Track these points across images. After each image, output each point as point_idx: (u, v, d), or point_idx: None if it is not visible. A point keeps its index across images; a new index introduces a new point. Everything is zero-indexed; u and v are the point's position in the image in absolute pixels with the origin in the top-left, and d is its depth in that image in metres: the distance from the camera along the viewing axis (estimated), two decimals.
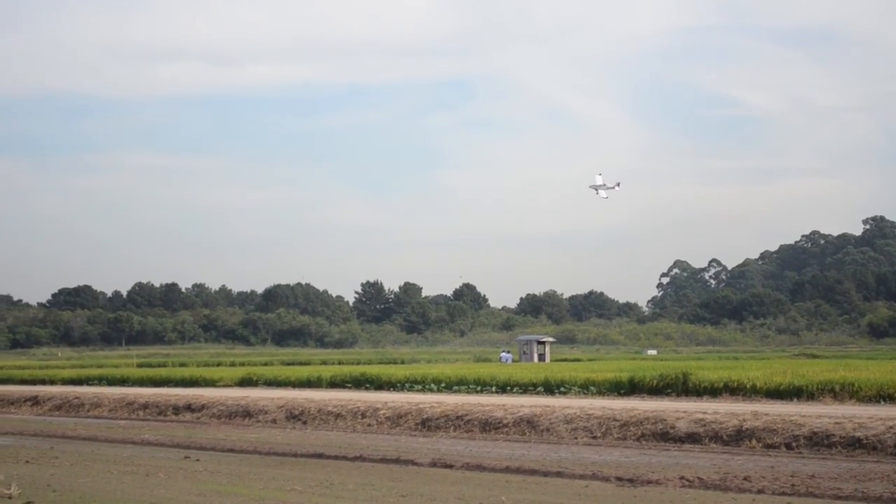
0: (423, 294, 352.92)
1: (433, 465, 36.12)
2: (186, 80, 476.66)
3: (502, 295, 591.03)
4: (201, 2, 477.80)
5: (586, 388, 65.16)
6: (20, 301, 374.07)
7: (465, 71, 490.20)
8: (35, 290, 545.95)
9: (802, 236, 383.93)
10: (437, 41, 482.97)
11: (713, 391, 59.47)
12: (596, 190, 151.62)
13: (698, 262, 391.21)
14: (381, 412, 53.98)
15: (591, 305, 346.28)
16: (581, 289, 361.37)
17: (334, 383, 78.27)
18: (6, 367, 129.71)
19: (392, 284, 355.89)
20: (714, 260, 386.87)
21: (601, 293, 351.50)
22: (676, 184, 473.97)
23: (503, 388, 68.53)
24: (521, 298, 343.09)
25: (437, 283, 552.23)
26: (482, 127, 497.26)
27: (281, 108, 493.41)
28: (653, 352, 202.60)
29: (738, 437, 40.95)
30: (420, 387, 72.80)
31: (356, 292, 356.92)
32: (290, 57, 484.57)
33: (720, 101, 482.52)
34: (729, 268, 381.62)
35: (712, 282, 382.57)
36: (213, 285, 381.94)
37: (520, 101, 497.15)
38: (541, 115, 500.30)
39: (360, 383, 76.86)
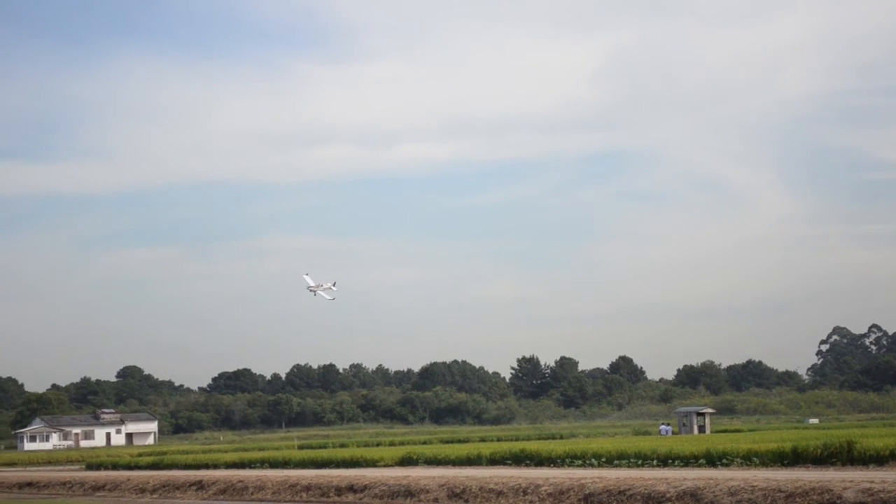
0: (580, 368, 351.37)
1: None
2: (338, 163, 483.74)
3: (659, 367, 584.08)
4: (351, 86, 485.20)
5: (749, 458, 64.23)
6: (181, 386, 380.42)
7: (613, 143, 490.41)
8: (196, 375, 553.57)
9: None
10: (586, 115, 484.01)
11: (879, 459, 58.25)
12: (314, 292, 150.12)
13: (858, 328, 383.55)
14: (543, 488, 53.82)
15: (750, 375, 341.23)
16: (738, 358, 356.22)
17: (494, 460, 78.10)
18: (170, 452, 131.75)
19: (548, 359, 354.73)
20: (874, 325, 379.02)
21: (759, 362, 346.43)
22: (832, 249, 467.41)
23: (664, 461, 67.80)
24: (679, 370, 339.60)
25: (593, 357, 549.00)
26: (632, 198, 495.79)
27: (432, 187, 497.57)
28: (814, 420, 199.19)
29: None
30: (580, 462, 72.32)
31: (512, 368, 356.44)
32: (440, 136, 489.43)
33: (872, 163, 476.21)
34: (890, 333, 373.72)
35: (873, 347, 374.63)
36: (370, 365, 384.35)
37: (669, 170, 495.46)
38: (690, 184, 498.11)
39: (519, 459, 76.59)
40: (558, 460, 74.03)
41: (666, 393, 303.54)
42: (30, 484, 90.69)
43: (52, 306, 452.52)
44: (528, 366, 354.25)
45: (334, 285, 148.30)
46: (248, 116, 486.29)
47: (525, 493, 54.12)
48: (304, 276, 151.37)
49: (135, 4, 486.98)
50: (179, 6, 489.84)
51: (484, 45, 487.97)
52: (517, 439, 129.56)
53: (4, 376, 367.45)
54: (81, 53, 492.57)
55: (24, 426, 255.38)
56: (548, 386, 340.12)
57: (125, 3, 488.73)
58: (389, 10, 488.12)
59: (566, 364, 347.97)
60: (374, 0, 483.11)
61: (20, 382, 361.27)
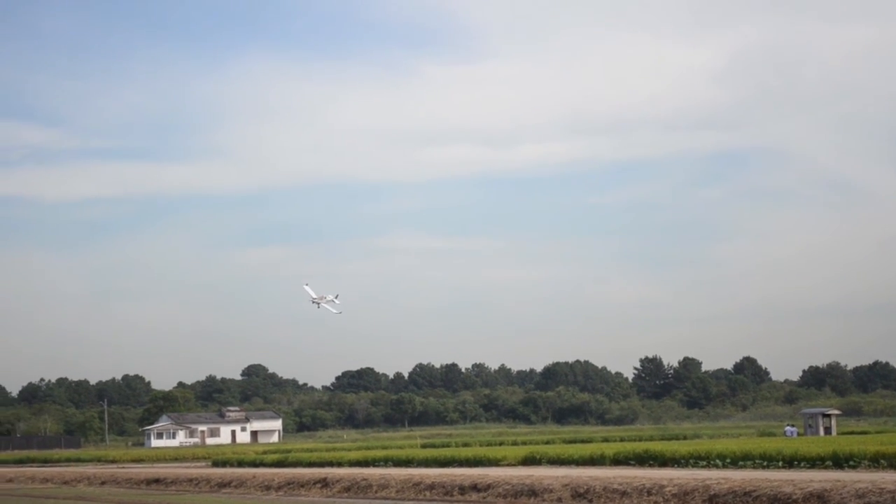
0: (703, 368, 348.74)
1: None
2: (459, 162, 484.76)
3: (784, 368, 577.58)
4: (473, 85, 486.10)
5: (876, 461, 63.25)
6: (305, 385, 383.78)
7: (736, 141, 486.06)
8: (319, 374, 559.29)
9: None
10: (708, 114, 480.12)
11: None
12: (318, 304, 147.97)
13: None
14: (667, 489, 53.51)
15: (877, 376, 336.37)
16: (865, 359, 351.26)
17: (617, 460, 77.72)
18: (295, 450, 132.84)
19: (671, 359, 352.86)
20: None
21: (887, 363, 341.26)
22: None
23: (790, 462, 66.99)
24: (804, 371, 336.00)
25: (717, 357, 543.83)
26: (755, 197, 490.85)
27: (553, 187, 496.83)
28: None
29: None
30: (704, 462, 71.72)
31: (635, 368, 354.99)
32: (561, 135, 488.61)
33: None
34: None
35: None
36: (493, 365, 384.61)
37: (792, 169, 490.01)
38: (814, 183, 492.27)
39: (643, 460, 76.14)
40: (682, 461, 73.46)
41: (791, 394, 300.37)
42: (157, 480, 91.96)
43: (178, 304, 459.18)
44: (650, 366, 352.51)
45: (336, 298, 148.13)
46: (369, 115, 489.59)
47: (649, 493, 53.86)
48: (305, 287, 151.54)
49: (257, 5, 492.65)
50: (301, 6, 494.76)
51: (606, 43, 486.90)
52: (640, 440, 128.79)
53: (132, 374, 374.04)
54: (204, 54, 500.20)
55: (151, 423, 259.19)
56: (671, 386, 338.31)
57: (247, 3, 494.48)
58: (512, 10, 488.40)
59: (689, 364, 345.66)
60: (498, 1, 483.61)
61: (147, 380, 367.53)
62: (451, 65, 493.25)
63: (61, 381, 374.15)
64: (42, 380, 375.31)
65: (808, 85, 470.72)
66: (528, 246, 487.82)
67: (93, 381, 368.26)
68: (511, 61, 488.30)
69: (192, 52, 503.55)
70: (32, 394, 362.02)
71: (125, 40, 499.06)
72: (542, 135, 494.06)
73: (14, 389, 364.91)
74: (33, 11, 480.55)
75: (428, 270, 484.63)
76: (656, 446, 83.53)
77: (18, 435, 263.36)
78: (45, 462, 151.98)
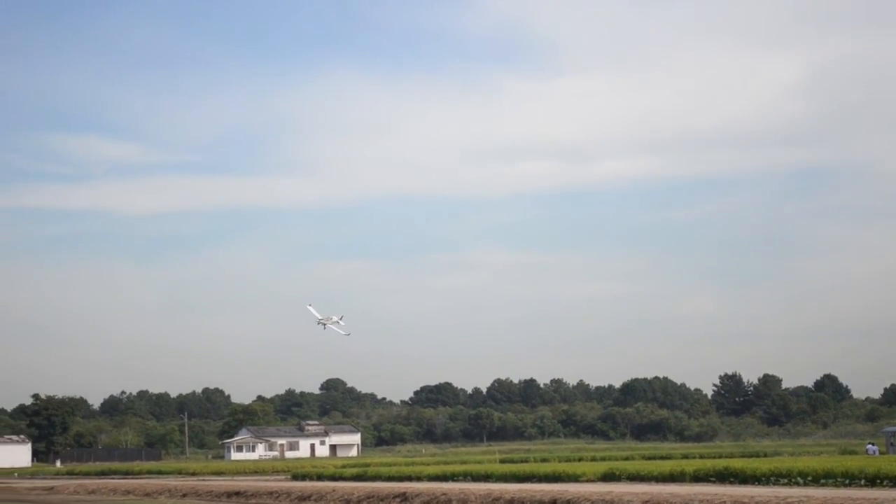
0: (783, 386, 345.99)
1: None
2: (538, 177, 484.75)
3: (865, 385, 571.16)
4: (554, 100, 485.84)
5: None
6: (384, 399, 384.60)
7: (817, 157, 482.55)
8: (398, 389, 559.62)
9: None
10: (789, 129, 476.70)
11: None
12: (324, 325, 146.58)
13: None
14: None
15: None
16: None
17: (697, 477, 77.36)
18: (374, 464, 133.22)
19: (751, 376, 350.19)
20: None
21: None
22: None
23: (872, 480, 66.38)
24: (886, 389, 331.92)
25: (797, 375, 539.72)
26: (837, 213, 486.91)
27: (632, 202, 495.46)
28: None
29: None
30: (785, 480, 71.23)
31: (714, 385, 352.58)
32: (640, 150, 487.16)
33: None
34: None
35: None
36: (571, 380, 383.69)
37: (875, 185, 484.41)
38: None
39: (723, 477, 75.77)
40: (763, 479, 72.98)
41: (872, 412, 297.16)
42: (237, 493, 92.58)
43: (258, 318, 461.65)
44: (730, 383, 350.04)
45: (341, 319, 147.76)
46: (449, 130, 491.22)
47: None
48: (308, 308, 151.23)
49: (341, 21, 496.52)
50: (385, 22, 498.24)
51: (687, 59, 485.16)
52: (720, 457, 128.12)
53: (212, 387, 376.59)
54: (287, 70, 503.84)
55: (231, 436, 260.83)
56: (750, 403, 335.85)
57: (332, 20, 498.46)
58: (593, 26, 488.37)
59: (769, 381, 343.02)
60: (579, 16, 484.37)
61: (227, 394, 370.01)
62: (532, 80, 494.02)
63: (142, 394, 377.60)
64: (123, 392, 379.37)
65: (891, 99, 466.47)
66: (606, 261, 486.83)
67: (173, 394, 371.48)
68: (591, 77, 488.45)
69: (276, 68, 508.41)
70: (114, 406, 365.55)
71: (208, 57, 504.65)
72: (622, 150, 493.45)
73: (96, 402, 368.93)
74: (118, 27, 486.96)
75: (506, 285, 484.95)
76: (737, 463, 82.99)
77: (100, 447, 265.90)
78: (127, 474, 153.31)
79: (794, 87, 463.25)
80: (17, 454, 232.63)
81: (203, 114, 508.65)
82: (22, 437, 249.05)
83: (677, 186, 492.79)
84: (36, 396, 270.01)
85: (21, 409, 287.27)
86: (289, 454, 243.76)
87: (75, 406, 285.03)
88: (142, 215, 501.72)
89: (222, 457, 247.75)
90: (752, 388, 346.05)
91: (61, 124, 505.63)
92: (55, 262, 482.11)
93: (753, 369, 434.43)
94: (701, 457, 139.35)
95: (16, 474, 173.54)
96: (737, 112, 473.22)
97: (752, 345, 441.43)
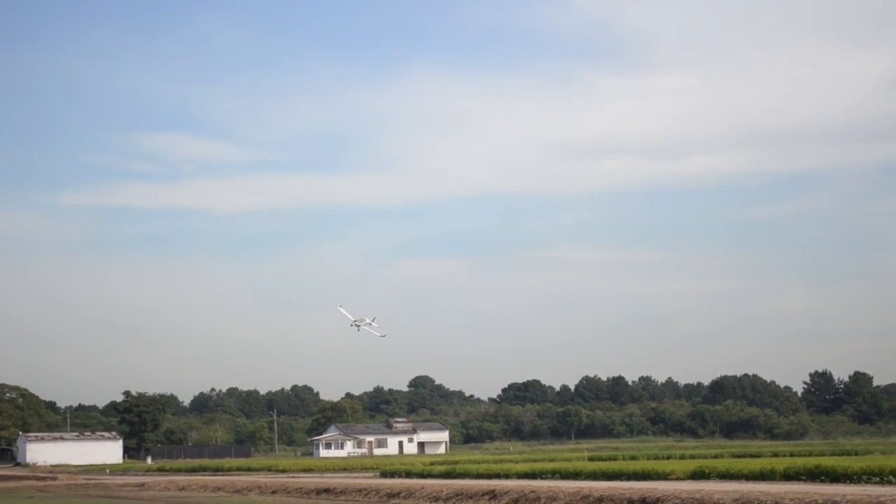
0: (875, 383, 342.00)
1: None
2: (628, 173, 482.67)
3: None
4: (642, 97, 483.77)
5: None
6: (472, 396, 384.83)
7: None
8: (485, 386, 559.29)
9: None
10: (881, 124, 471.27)
11: None
12: (357, 327, 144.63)
13: None
14: None
15: None
16: None
17: (788, 475, 76.69)
18: (462, 462, 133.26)
19: (842, 374, 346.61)
20: None
21: None
22: None
23: None
24: None
25: (890, 372, 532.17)
26: None
27: (721, 198, 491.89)
28: None
29: None
30: (877, 479, 70.44)
31: (804, 383, 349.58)
32: (729, 147, 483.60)
33: None
34: None
35: None
36: (660, 378, 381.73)
37: None
38: None
39: (814, 475, 75.08)
40: (854, 477, 72.25)
41: None
42: (327, 490, 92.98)
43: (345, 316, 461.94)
44: (820, 380, 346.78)
45: (374, 320, 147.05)
46: (538, 127, 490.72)
47: None
48: (339, 309, 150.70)
49: (428, 20, 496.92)
50: (472, 20, 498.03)
51: (776, 55, 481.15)
52: (810, 455, 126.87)
53: (301, 384, 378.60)
54: (375, 69, 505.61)
55: (320, 433, 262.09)
56: (841, 401, 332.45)
57: (419, 18, 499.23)
58: (683, 23, 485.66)
59: (860, 379, 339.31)
60: (668, 12, 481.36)
61: (316, 391, 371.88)
62: (621, 76, 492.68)
63: (232, 391, 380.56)
64: (213, 389, 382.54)
65: None
66: (695, 258, 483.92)
67: (262, 392, 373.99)
68: (680, 73, 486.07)
69: (363, 67, 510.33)
70: (204, 403, 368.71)
71: (296, 56, 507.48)
72: (710, 146, 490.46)
73: (186, 399, 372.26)
74: (206, 27, 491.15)
75: (594, 282, 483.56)
76: (828, 462, 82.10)
77: (190, 444, 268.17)
78: (217, 471, 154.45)
79: (884, 83, 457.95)
80: (108, 451, 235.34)
81: (291, 113, 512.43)
82: (113, 433, 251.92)
83: (767, 183, 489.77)
84: (127, 394, 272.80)
85: (112, 406, 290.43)
86: (377, 451, 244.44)
87: (166, 403, 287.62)
88: (231, 213, 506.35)
89: (311, 454, 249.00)
90: (842, 386, 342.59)
91: (150, 124, 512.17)
92: (145, 261, 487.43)
93: (844, 367, 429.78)
94: (791, 455, 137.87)
95: (107, 471, 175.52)
96: (826, 108, 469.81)
97: (843, 342, 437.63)
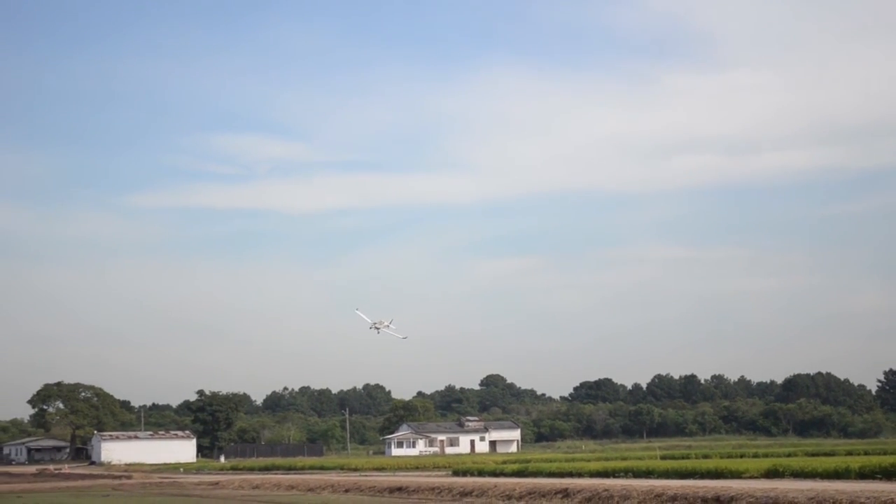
0: None
1: None
2: (702, 171, 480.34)
3: None
4: (716, 94, 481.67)
5: None
6: (543, 395, 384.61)
7: None
8: (557, 385, 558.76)
9: None
10: None
11: None
12: (377, 329, 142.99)
13: None
14: None
15: None
16: None
17: (863, 474, 76.15)
18: (534, 460, 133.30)
19: None
20: None
21: None
22: None
23: None
24: None
25: None
26: None
27: (796, 195, 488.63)
28: None
29: None
30: None
31: (879, 381, 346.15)
32: (805, 143, 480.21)
33: None
34: None
35: None
36: (732, 376, 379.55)
37: None
38: None
39: (890, 474, 74.48)
40: None
41: None
42: (400, 489, 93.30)
43: (418, 314, 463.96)
44: (895, 379, 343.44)
45: (391, 323, 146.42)
46: (610, 125, 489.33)
47: None
48: (357, 312, 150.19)
49: (499, 19, 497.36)
50: (542, 19, 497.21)
51: (853, 51, 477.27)
52: (885, 453, 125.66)
53: (373, 383, 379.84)
54: (447, 68, 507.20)
55: (392, 432, 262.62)
56: None
57: (490, 18, 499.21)
58: (757, 19, 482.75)
59: None
60: (740, 9, 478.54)
61: (387, 389, 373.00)
62: (694, 74, 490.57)
63: (304, 390, 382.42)
64: (285, 389, 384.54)
65: None
66: (769, 255, 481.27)
67: (334, 390, 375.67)
68: (755, 70, 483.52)
69: (436, 67, 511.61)
70: (276, 402, 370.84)
71: (369, 57, 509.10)
72: (786, 143, 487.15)
73: (259, 398, 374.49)
74: (281, 28, 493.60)
75: (667, 280, 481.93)
76: None
77: (263, 442, 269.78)
78: (290, 469, 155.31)
79: None
80: (182, 449, 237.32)
81: (364, 113, 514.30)
82: (187, 432, 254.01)
83: (843, 180, 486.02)
84: (200, 393, 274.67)
85: (186, 405, 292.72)
86: (448, 450, 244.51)
87: (239, 402, 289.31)
88: (304, 214, 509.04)
89: (383, 452, 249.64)
90: None
91: (225, 125, 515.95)
92: (219, 261, 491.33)
93: None
94: (866, 453, 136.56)
95: (181, 469, 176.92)
96: None
97: None
